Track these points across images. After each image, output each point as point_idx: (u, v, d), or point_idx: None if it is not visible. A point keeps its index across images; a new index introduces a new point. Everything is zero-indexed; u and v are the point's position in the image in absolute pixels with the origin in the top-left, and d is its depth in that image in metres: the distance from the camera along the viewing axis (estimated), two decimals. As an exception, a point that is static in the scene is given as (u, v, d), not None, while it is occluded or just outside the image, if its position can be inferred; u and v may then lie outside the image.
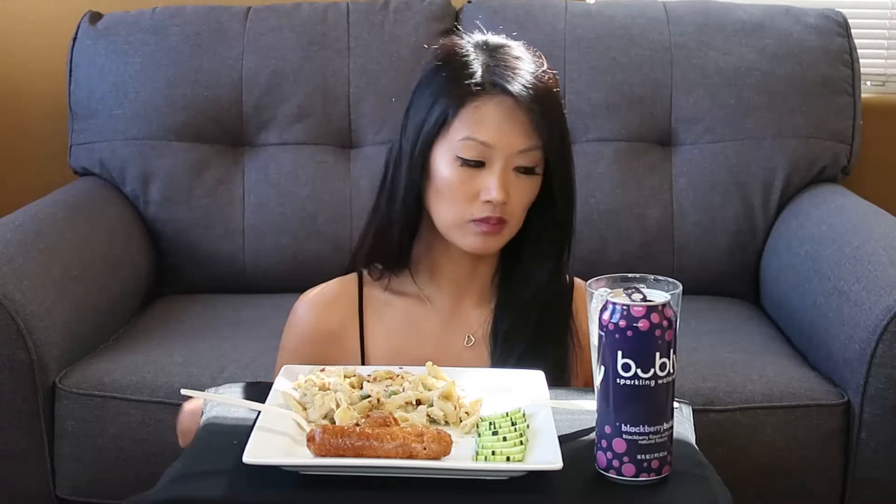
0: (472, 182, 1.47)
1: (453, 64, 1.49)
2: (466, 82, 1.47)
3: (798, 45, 2.49)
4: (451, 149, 1.47)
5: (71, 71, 2.51)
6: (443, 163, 1.48)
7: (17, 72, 2.72)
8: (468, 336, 1.58)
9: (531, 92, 1.47)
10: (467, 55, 1.50)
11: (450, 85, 1.48)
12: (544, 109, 1.47)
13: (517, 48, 1.52)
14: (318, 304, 1.61)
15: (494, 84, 1.47)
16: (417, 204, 1.52)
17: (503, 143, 1.46)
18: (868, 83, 2.77)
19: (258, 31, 2.50)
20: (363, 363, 1.57)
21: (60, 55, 2.54)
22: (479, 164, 1.47)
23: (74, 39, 2.52)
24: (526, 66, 1.49)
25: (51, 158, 2.63)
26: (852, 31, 2.53)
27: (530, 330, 1.55)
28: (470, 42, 1.53)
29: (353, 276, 1.62)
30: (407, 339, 1.57)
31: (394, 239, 1.55)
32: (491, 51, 1.50)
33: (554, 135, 1.49)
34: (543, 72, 1.50)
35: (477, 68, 1.48)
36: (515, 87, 1.46)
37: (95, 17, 2.54)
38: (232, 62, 2.48)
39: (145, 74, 2.47)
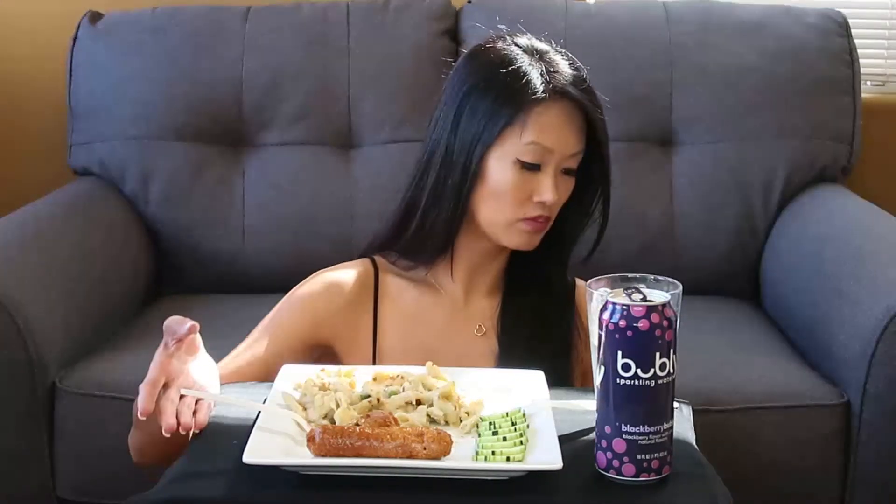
0: (528, 184, 1.51)
1: (509, 71, 1.51)
2: (531, 90, 1.49)
3: (798, 45, 2.49)
4: (513, 152, 1.50)
5: (71, 71, 2.51)
6: (500, 166, 1.51)
7: (17, 72, 2.72)
8: (479, 325, 1.61)
9: (588, 95, 1.52)
10: (522, 62, 1.52)
11: (511, 92, 1.50)
12: (599, 110, 1.54)
13: (554, 52, 1.56)
14: (335, 285, 1.60)
15: (555, 90, 1.50)
16: (467, 203, 1.55)
17: (561, 146, 1.51)
18: (868, 83, 2.77)
19: (258, 31, 2.50)
20: (374, 350, 1.58)
21: (60, 55, 2.54)
22: (535, 167, 1.51)
23: (74, 39, 2.52)
24: (573, 70, 1.53)
25: (50, 158, 2.63)
26: (852, 31, 2.53)
27: (538, 320, 1.60)
28: (517, 47, 1.54)
29: (367, 262, 1.63)
30: (419, 327, 1.59)
31: (439, 235, 1.57)
32: (541, 56, 1.53)
33: (607, 134, 1.55)
34: (586, 74, 1.55)
35: (536, 76, 1.50)
36: (575, 92, 1.51)
37: (95, 16, 2.54)
38: (232, 62, 2.47)
39: (145, 74, 2.47)
